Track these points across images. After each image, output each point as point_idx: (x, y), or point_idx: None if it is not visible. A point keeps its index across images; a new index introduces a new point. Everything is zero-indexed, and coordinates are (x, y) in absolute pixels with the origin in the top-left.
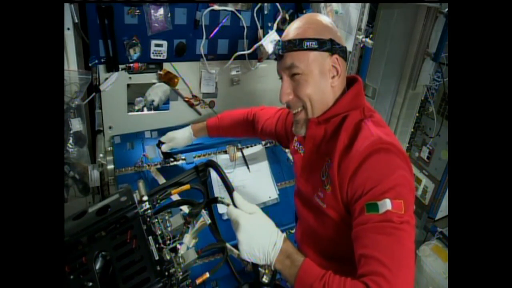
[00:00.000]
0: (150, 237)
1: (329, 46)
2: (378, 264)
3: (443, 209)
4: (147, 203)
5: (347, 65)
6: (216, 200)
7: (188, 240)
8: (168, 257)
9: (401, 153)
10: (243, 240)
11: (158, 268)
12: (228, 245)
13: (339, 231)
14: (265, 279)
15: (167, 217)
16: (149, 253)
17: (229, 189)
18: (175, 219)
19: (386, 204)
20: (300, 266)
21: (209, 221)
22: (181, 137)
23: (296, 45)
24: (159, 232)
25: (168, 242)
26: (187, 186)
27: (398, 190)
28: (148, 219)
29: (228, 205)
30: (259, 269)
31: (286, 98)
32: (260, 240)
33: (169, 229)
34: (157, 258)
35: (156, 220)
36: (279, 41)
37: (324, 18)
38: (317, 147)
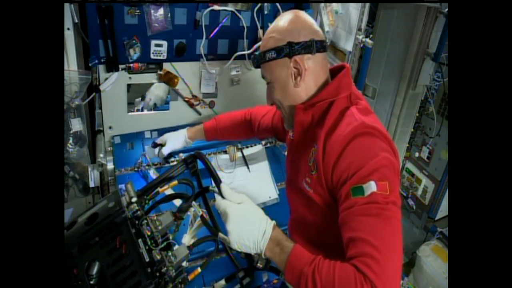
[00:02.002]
0: (139, 240)
1: (287, 50)
2: (366, 245)
3: (443, 209)
4: (135, 205)
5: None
6: (207, 190)
7: (187, 240)
8: (158, 257)
9: (385, 136)
10: (232, 230)
11: (149, 270)
12: (221, 235)
13: (325, 217)
14: (259, 264)
15: (155, 218)
16: (139, 256)
17: (217, 181)
18: (164, 217)
19: (371, 186)
20: (290, 252)
21: (200, 213)
22: (175, 140)
23: (262, 58)
24: (148, 233)
25: (159, 241)
26: (174, 183)
27: (382, 171)
28: (137, 221)
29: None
30: (253, 254)
31: (268, 102)
32: (249, 229)
33: (160, 227)
34: (147, 260)
35: (146, 221)
36: (255, 55)
37: (287, 18)
38: (305, 133)
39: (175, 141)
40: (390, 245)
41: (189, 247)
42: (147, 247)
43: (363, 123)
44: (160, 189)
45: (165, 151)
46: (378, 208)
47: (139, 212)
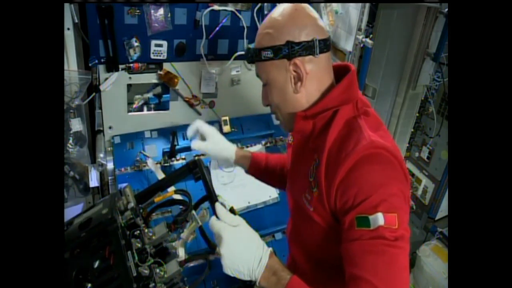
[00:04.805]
0: (129, 252)
1: (286, 51)
2: (369, 287)
3: (443, 209)
4: (130, 212)
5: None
6: (206, 199)
7: (186, 235)
8: (146, 272)
9: (395, 157)
10: (226, 254)
11: (135, 285)
12: (219, 250)
13: (327, 237)
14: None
15: (146, 230)
16: (126, 270)
17: (212, 198)
18: (158, 228)
19: (378, 219)
20: (287, 285)
21: (199, 223)
22: (218, 148)
23: (256, 55)
24: (139, 245)
25: (151, 252)
26: (171, 192)
27: (391, 201)
28: (129, 232)
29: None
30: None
31: (263, 103)
32: (244, 255)
33: (153, 237)
34: (135, 274)
35: (139, 231)
36: (249, 48)
37: (286, 11)
38: (306, 141)
39: (217, 149)
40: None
41: (180, 263)
42: (135, 262)
43: (372, 143)
44: (155, 199)
45: (195, 144)
46: (384, 244)
47: (136, 218)
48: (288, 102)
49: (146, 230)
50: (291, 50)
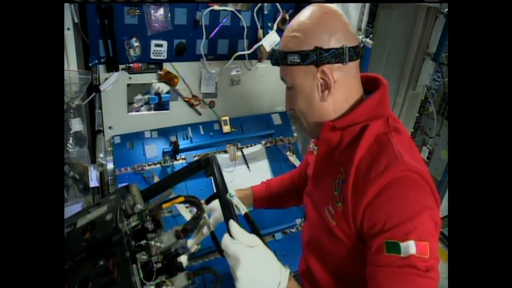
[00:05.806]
0: (133, 266)
1: (314, 57)
2: None
3: (443, 209)
4: (136, 217)
5: None
6: (216, 197)
7: (190, 245)
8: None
9: (427, 182)
10: (242, 277)
11: None
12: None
13: (350, 255)
14: None
15: (152, 242)
16: (131, 285)
17: (226, 214)
18: (166, 236)
19: (410, 247)
20: None
21: (211, 229)
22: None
23: (282, 59)
24: (144, 257)
25: (159, 259)
26: (180, 198)
27: (424, 229)
28: (134, 242)
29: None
30: None
31: (287, 108)
32: (262, 279)
33: (162, 245)
34: None
35: (145, 241)
36: (274, 50)
37: (315, 15)
38: (331, 152)
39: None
40: None
41: (189, 275)
42: (140, 277)
43: (405, 165)
44: (163, 205)
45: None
46: (415, 274)
47: (139, 227)
48: (314, 110)
49: (153, 242)
50: (319, 57)
